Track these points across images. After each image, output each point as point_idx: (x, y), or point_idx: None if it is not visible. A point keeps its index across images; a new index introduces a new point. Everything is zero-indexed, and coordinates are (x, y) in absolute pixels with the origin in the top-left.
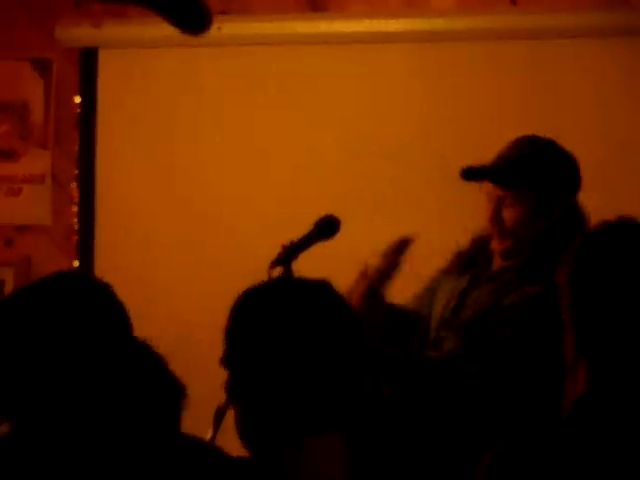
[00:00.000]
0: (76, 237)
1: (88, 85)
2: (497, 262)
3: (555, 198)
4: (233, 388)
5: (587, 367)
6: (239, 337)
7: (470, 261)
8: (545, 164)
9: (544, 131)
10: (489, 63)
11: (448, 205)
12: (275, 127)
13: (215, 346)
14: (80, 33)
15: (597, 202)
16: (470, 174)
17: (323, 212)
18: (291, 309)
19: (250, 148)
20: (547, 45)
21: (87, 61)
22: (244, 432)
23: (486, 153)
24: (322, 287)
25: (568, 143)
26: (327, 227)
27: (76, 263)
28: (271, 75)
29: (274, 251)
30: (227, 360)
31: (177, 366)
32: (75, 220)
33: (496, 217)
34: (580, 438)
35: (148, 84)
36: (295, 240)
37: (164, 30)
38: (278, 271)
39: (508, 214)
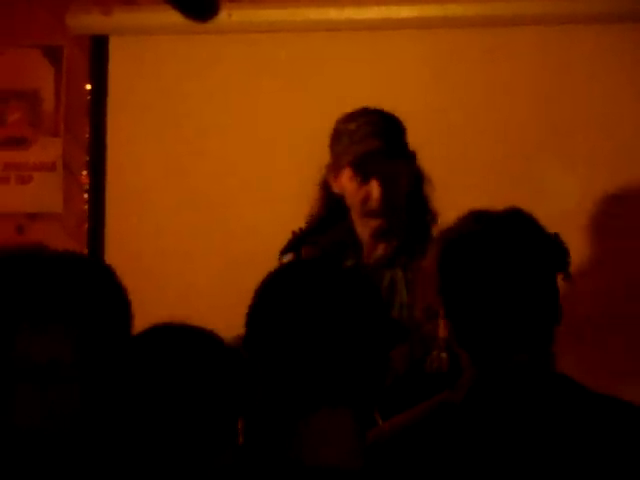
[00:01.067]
0: (87, 224)
1: (99, 72)
2: (370, 244)
3: (411, 156)
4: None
5: (466, 354)
6: (261, 317)
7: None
8: (402, 128)
9: (554, 117)
10: (500, 49)
11: (459, 190)
12: (285, 114)
13: (226, 334)
14: (90, 20)
15: (605, 188)
16: (364, 161)
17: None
18: (316, 290)
19: (260, 135)
20: (558, 31)
21: (98, 48)
22: (260, 407)
23: (496, 139)
24: (351, 271)
25: (579, 129)
26: (335, 213)
27: (87, 250)
28: (281, 62)
29: (285, 238)
30: (247, 341)
31: None
32: (86, 207)
33: (387, 193)
34: (472, 424)
35: (159, 71)
36: (304, 227)
37: (174, 17)
38: (288, 258)
39: (395, 187)
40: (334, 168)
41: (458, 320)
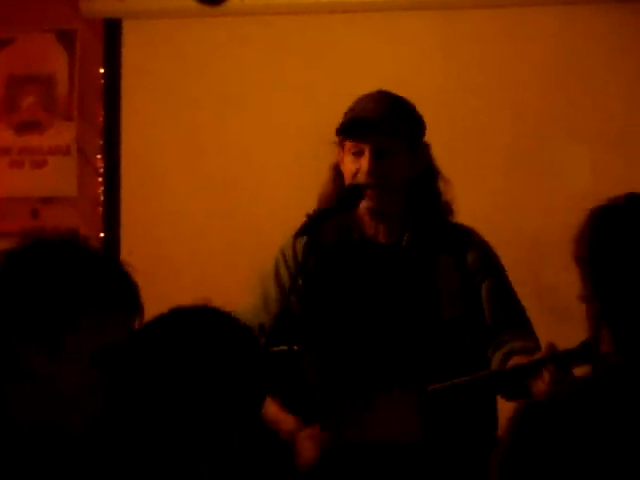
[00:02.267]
0: (101, 209)
1: (112, 56)
2: (370, 225)
3: (419, 145)
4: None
5: (611, 335)
6: None
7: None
8: (409, 109)
9: (568, 97)
10: (513, 30)
11: (470, 173)
12: (298, 96)
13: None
14: (104, 4)
15: (616, 172)
16: (350, 130)
17: None
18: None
19: (276, 118)
20: (571, 11)
21: (111, 32)
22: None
23: (509, 119)
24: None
25: (593, 109)
26: (350, 197)
27: (102, 234)
28: (294, 45)
29: (301, 220)
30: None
31: None
32: (100, 191)
33: (376, 169)
34: (610, 403)
35: (172, 54)
36: (318, 210)
37: (187, 0)
38: (303, 241)
39: (387, 164)
40: (340, 145)
41: (608, 297)
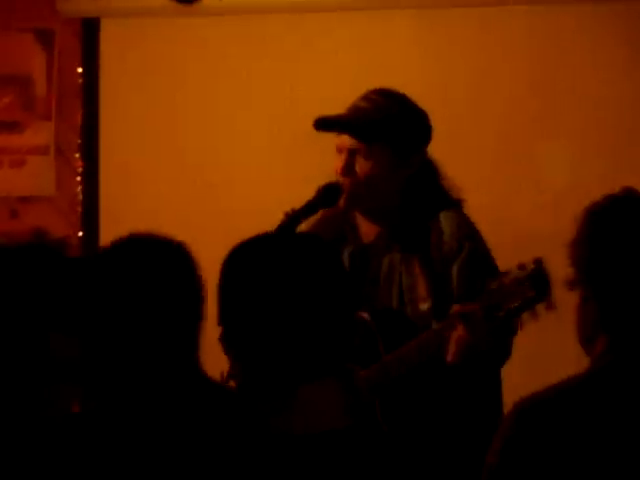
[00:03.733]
0: (80, 208)
1: (90, 55)
2: (363, 225)
3: (408, 151)
4: (229, 342)
5: (607, 337)
6: (230, 291)
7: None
8: (399, 116)
9: (551, 96)
10: (495, 29)
11: (451, 173)
12: (276, 95)
13: None
14: (81, 3)
15: (598, 169)
16: (324, 124)
17: (330, 176)
18: (281, 259)
19: (253, 116)
20: (554, 10)
21: (89, 31)
22: (242, 384)
23: (490, 120)
24: (311, 239)
25: (576, 107)
26: (329, 195)
27: (81, 234)
28: (271, 43)
29: (280, 218)
30: (222, 316)
31: None
32: (79, 191)
33: (348, 169)
34: (601, 403)
35: (150, 54)
36: (297, 208)
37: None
38: None
39: (361, 167)
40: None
41: (606, 301)
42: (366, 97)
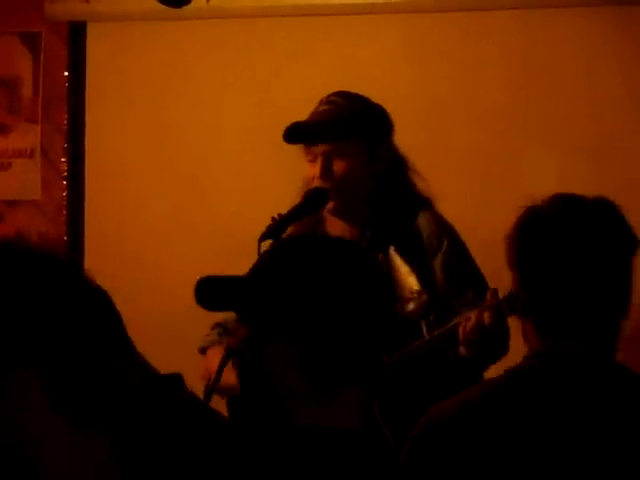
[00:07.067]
0: (66, 212)
1: (77, 59)
2: (335, 226)
3: (378, 143)
4: (254, 347)
5: (531, 324)
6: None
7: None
8: (364, 110)
9: (535, 100)
10: (480, 33)
11: (433, 177)
12: (266, 99)
13: (206, 320)
14: (68, 7)
15: (585, 174)
16: (295, 136)
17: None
18: (317, 266)
19: (240, 119)
20: (539, 14)
21: (75, 35)
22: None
23: (473, 124)
24: (347, 245)
25: (561, 111)
26: (315, 200)
27: (66, 237)
28: (259, 47)
29: (267, 222)
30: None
31: (169, 340)
32: (65, 194)
33: (327, 173)
34: (530, 397)
35: (137, 57)
36: (284, 213)
37: (153, 3)
38: (267, 244)
39: (338, 168)
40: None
41: (531, 290)
42: (327, 101)
